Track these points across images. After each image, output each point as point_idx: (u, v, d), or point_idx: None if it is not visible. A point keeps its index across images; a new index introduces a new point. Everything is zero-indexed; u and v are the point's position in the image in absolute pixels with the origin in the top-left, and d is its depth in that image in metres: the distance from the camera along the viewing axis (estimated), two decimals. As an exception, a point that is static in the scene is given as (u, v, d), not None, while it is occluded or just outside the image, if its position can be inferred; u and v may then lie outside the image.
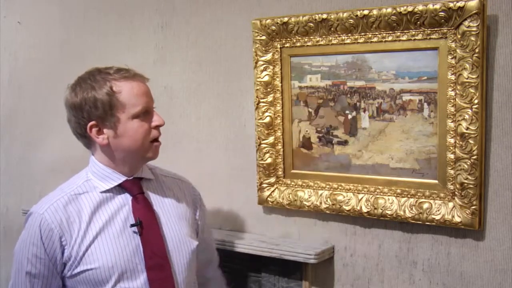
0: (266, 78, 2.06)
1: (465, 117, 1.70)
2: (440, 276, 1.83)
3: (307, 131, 2.03)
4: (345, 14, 1.86)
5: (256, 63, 2.07)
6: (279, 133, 2.07)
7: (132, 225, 1.61)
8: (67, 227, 1.58)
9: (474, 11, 1.64)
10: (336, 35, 1.90)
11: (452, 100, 1.73)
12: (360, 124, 1.91)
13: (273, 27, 2.01)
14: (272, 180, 2.11)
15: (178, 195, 1.78)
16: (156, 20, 2.42)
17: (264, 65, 2.05)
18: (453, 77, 1.71)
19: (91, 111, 1.57)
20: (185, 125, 2.35)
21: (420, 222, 1.82)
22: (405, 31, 1.77)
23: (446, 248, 1.82)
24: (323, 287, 2.06)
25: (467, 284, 1.79)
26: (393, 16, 1.77)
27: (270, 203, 2.12)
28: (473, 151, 1.70)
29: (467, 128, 1.70)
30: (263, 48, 2.05)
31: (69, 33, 2.77)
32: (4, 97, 3.13)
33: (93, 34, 2.66)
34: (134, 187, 1.66)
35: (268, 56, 2.05)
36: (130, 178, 1.66)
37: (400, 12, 1.76)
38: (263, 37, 2.04)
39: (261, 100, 2.08)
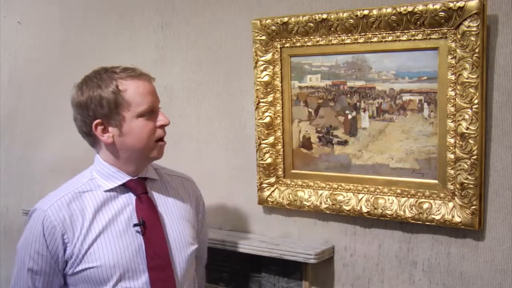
0: (266, 78, 2.06)
1: (465, 117, 1.70)
2: (440, 276, 1.83)
3: (307, 131, 2.03)
4: (345, 14, 1.86)
5: (256, 63, 2.07)
6: (279, 133, 2.07)
7: (135, 225, 1.62)
8: (70, 224, 1.58)
9: (474, 11, 1.64)
10: (336, 35, 1.90)
11: (452, 100, 1.73)
12: (360, 124, 1.91)
13: (273, 27, 2.01)
14: (272, 180, 2.11)
15: (183, 195, 1.78)
16: (156, 20, 2.42)
17: (264, 65, 2.05)
18: (453, 77, 1.71)
19: (96, 110, 1.57)
20: (185, 125, 2.35)
21: (420, 222, 1.82)
22: (405, 31, 1.77)
23: (446, 248, 1.82)
24: (323, 287, 2.06)
25: (467, 284, 1.79)
26: (393, 16, 1.77)
27: (270, 203, 2.12)
28: (473, 151, 1.70)
29: (467, 128, 1.70)
30: (263, 48, 2.05)
31: (69, 33, 2.77)
32: (4, 97, 3.13)
33: (93, 34, 2.66)
34: (138, 186, 1.66)
35: (268, 56, 2.05)
36: (135, 178, 1.66)
37: (400, 12, 1.76)
38: (263, 37, 2.04)
39: (261, 100, 2.08)
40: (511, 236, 1.71)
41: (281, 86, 2.04)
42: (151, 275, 1.61)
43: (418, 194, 1.83)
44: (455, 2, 1.66)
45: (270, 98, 2.06)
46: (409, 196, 1.84)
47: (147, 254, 1.61)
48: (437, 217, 1.78)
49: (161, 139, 1.64)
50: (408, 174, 1.84)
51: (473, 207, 1.72)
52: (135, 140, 1.60)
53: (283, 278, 2.07)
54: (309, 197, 2.03)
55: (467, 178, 1.72)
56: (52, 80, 2.86)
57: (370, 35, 1.84)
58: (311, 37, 1.95)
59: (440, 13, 1.69)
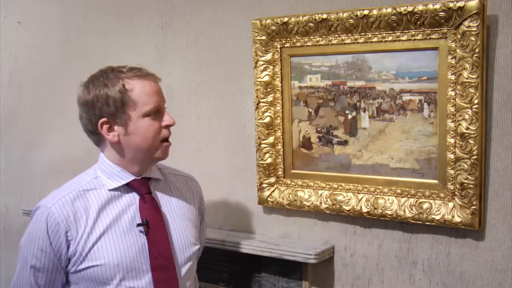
0: (266, 78, 2.06)
1: (465, 117, 1.70)
2: (440, 276, 1.83)
3: (307, 131, 2.03)
4: (345, 14, 1.86)
5: (256, 63, 2.07)
6: (279, 133, 2.07)
7: (138, 225, 1.62)
8: (74, 222, 1.58)
9: (474, 11, 1.64)
10: (336, 35, 1.90)
11: (452, 100, 1.73)
12: (360, 124, 1.91)
13: (273, 27, 2.01)
14: (272, 180, 2.11)
15: (186, 195, 1.78)
16: (156, 20, 2.42)
17: (264, 65, 2.06)
18: (453, 77, 1.71)
19: (102, 108, 1.58)
20: (185, 125, 2.35)
21: (420, 222, 1.82)
22: (405, 31, 1.77)
23: (446, 248, 1.82)
24: (323, 287, 2.06)
25: (467, 284, 1.79)
26: (393, 16, 1.77)
27: (270, 203, 2.12)
28: (473, 151, 1.70)
29: (467, 128, 1.70)
30: (263, 48, 2.05)
31: (69, 33, 2.77)
32: (4, 97, 3.14)
33: (93, 34, 2.66)
34: (142, 186, 1.66)
35: (268, 56, 2.05)
36: (139, 178, 1.66)
37: (400, 12, 1.76)
38: (263, 37, 2.04)
39: (261, 100, 2.08)
40: (511, 236, 1.71)
41: (281, 86, 2.04)
42: (155, 275, 1.61)
43: (418, 194, 1.83)
44: (455, 2, 1.66)
45: (270, 98, 2.06)
46: (409, 196, 1.84)
47: (151, 254, 1.61)
48: (437, 217, 1.78)
49: (166, 139, 1.64)
50: (408, 174, 1.84)
51: (473, 207, 1.72)
52: (141, 140, 1.60)
53: (283, 278, 2.07)
54: (309, 197, 2.03)
55: (467, 178, 1.72)
56: (52, 80, 2.86)
57: (370, 35, 1.84)
58: (311, 37, 1.95)
59: (440, 13, 1.69)
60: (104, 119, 1.58)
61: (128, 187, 1.65)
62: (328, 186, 1.99)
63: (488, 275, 1.76)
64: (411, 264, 1.88)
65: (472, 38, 1.66)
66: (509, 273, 1.73)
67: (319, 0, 1.98)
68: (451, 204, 1.77)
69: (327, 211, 1.99)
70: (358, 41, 1.86)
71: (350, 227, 1.99)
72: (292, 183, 2.07)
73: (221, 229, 2.28)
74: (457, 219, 1.75)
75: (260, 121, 2.09)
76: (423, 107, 1.79)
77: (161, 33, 2.42)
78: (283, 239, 2.10)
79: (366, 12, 1.82)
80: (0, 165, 3.21)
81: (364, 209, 1.91)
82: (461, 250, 1.79)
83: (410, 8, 1.74)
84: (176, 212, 1.72)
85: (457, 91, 1.71)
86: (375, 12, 1.80)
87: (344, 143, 1.95)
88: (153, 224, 1.63)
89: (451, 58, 1.71)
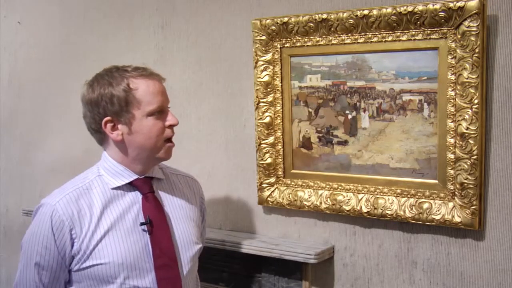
0: (266, 78, 2.06)
1: (465, 117, 1.70)
2: (440, 276, 1.83)
3: (307, 131, 2.03)
4: (345, 14, 1.86)
5: (256, 63, 2.07)
6: (279, 133, 2.07)
7: (142, 224, 1.62)
8: (78, 220, 1.58)
9: (474, 11, 1.64)
10: (336, 35, 1.90)
11: (452, 100, 1.73)
12: (360, 124, 1.91)
13: (273, 27, 2.01)
14: (272, 180, 2.11)
15: (188, 195, 1.79)
16: (156, 20, 2.43)
17: (264, 65, 2.06)
18: (453, 77, 1.71)
19: (107, 107, 1.58)
20: (185, 125, 2.35)
21: (420, 222, 1.82)
22: (405, 31, 1.77)
23: (446, 248, 1.82)
24: (323, 287, 2.06)
25: (467, 284, 1.79)
26: (393, 16, 1.77)
27: (270, 203, 2.12)
28: (473, 151, 1.70)
29: (467, 128, 1.70)
30: (263, 48, 2.05)
31: (69, 33, 2.77)
32: (4, 97, 3.14)
33: (93, 34, 2.66)
34: (145, 185, 1.67)
35: (268, 56, 2.05)
36: (141, 177, 1.67)
37: (400, 12, 1.76)
38: (263, 37, 2.04)
39: (261, 100, 2.08)
40: (511, 236, 1.71)
41: (281, 86, 2.04)
42: (158, 273, 1.61)
43: (418, 194, 1.83)
44: (455, 2, 1.66)
45: (270, 98, 2.06)
46: (409, 196, 1.84)
47: (154, 253, 1.61)
48: (437, 217, 1.78)
49: (169, 139, 1.65)
50: (408, 174, 1.84)
51: (473, 207, 1.72)
52: (144, 139, 1.60)
53: (283, 278, 2.07)
54: (309, 197, 2.03)
55: (467, 178, 1.72)
56: (52, 80, 2.86)
57: (370, 35, 1.84)
58: (311, 37, 1.95)
59: (440, 13, 1.69)
60: (108, 118, 1.59)
61: (131, 186, 1.65)
62: (328, 186, 1.99)
63: (488, 275, 1.76)
64: (411, 264, 1.88)
65: (472, 38, 1.66)
66: (509, 273, 1.73)
67: (319, 0, 1.98)
68: (451, 204, 1.77)
69: (327, 211, 1.99)
70: (358, 41, 1.86)
71: (350, 227, 1.99)
72: (292, 183, 2.07)
73: (221, 229, 2.28)
74: (457, 219, 1.75)
75: (260, 121, 2.09)
76: (423, 107, 1.79)
77: (161, 33, 2.42)
78: (283, 239, 2.10)
79: (366, 12, 1.82)
80: (0, 165, 3.21)
81: (364, 209, 1.91)
82: (461, 250, 1.79)
83: (410, 8, 1.74)
84: (178, 211, 1.73)
85: (457, 91, 1.71)
86: (375, 12, 1.80)
87: (344, 143, 1.95)
88: (156, 223, 1.64)
89: (451, 58, 1.71)
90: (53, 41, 2.84)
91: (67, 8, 2.77)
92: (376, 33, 1.82)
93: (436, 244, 1.83)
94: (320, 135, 2.00)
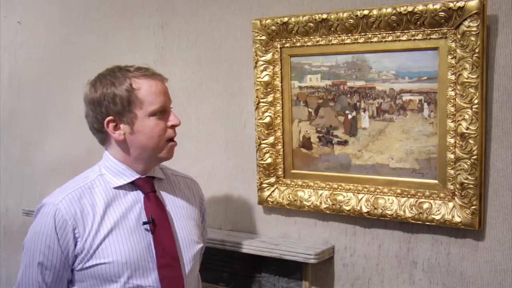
0: (266, 78, 2.06)
1: (465, 117, 1.70)
2: (440, 276, 1.83)
3: (307, 131, 2.03)
4: (345, 14, 1.86)
5: (256, 63, 2.07)
6: (279, 133, 2.07)
7: (144, 223, 1.62)
8: (81, 219, 1.58)
9: (474, 11, 1.64)
10: (336, 35, 1.90)
11: (452, 100, 1.73)
12: (360, 124, 1.91)
13: (273, 27, 2.01)
14: (272, 180, 2.11)
15: (188, 195, 1.80)
16: (156, 20, 2.43)
17: (264, 65, 2.06)
18: (453, 77, 1.71)
19: (109, 107, 1.59)
20: (185, 125, 2.34)
21: (420, 222, 1.82)
22: (405, 31, 1.77)
23: (446, 248, 1.82)
24: (323, 287, 2.06)
25: (467, 284, 1.79)
26: (393, 16, 1.77)
27: (270, 203, 2.12)
28: (473, 151, 1.70)
29: (467, 128, 1.70)
30: (263, 48, 2.05)
31: (69, 33, 2.77)
32: (4, 97, 3.14)
33: (93, 34, 2.66)
34: (147, 185, 1.67)
35: (268, 56, 2.05)
36: (143, 176, 1.67)
37: (400, 12, 1.76)
38: (263, 37, 2.04)
39: (261, 100, 2.08)
40: (511, 236, 1.71)
41: (281, 86, 2.04)
42: (161, 272, 1.62)
43: (418, 194, 1.83)
44: (455, 2, 1.66)
45: (270, 98, 2.06)
46: (409, 196, 1.84)
47: (157, 252, 1.62)
48: (437, 217, 1.78)
49: (171, 139, 1.65)
50: (408, 174, 1.84)
51: (473, 207, 1.72)
52: (146, 139, 1.61)
53: (283, 278, 2.07)
54: (309, 197, 2.03)
55: (467, 178, 1.72)
56: (52, 80, 2.86)
57: (370, 35, 1.84)
58: (311, 37, 1.95)
59: (440, 13, 1.69)
60: (110, 118, 1.59)
61: (133, 185, 1.66)
62: (328, 186, 1.99)
63: (488, 275, 1.76)
64: (411, 264, 1.88)
65: (472, 38, 1.66)
66: (509, 273, 1.73)
67: (319, 0, 1.98)
68: (451, 204, 1.77)
69: (327, 211, 1.99)
70: (358, 41, 1.86)
71: (350, 227, 1.99)
72: (292, 183, 2.07)
73: (221, 229, 2.28)
74: (457, 219, 1.75)
75: (260, 121, 2.09)
76: (423, 107, 1.79)
77: (161, 33, 2.42)
78: (283, 239, 2.10)
79: (366, 12, 1.82)
80: (0, 165, 3.21)
81: (364, 209, 1.91)
82: (461, 250, 1.79)
83: (410, 8, 1.74)
84: (179, 211, 1.73)
85: (457, 91, 1.71)
86: (375, 12, 1.80)
87: (344, 143, 1.95)
88: (158, 222, 1.64)
89: (451, 58, 1.71)
90: (53, 41, 2.84)
91: (67, 8, 2.77)
92: (376, 33, 1.82)
93: (436, 244, 1.83)
94: (320, 135, 2.00)
